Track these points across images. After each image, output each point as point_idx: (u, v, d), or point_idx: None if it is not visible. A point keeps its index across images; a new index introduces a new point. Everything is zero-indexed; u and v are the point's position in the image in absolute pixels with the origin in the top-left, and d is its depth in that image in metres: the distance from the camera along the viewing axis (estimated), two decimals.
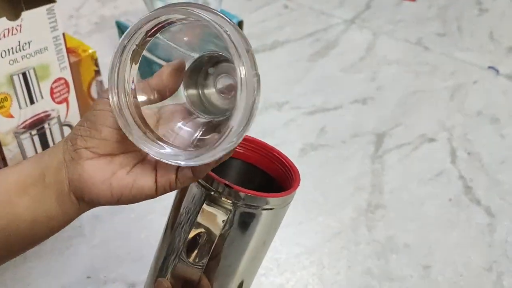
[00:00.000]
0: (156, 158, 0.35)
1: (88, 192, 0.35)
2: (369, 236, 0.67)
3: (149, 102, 0.36)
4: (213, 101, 0.39)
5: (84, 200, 0.35)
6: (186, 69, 0.37)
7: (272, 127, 0.84)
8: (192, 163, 0.34)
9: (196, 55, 0.37)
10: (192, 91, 0.39)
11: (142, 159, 0.36)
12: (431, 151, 0.80)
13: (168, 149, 0.35)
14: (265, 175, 0.47)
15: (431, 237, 0.67)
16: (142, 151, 0.35)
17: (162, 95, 0.36)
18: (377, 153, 0.79)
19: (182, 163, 0.34)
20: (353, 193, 0.73)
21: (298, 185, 0.42)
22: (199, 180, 0.40)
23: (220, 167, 0.38)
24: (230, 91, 0.38)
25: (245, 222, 0.40)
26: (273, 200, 0.40)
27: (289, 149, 0.79)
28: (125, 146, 0.35)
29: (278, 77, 0.95)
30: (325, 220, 0.69)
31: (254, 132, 0.82)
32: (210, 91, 0.39)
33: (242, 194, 0.38)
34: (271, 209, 0.40)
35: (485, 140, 0.82)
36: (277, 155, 0.45)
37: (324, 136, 0.82)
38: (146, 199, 0.36)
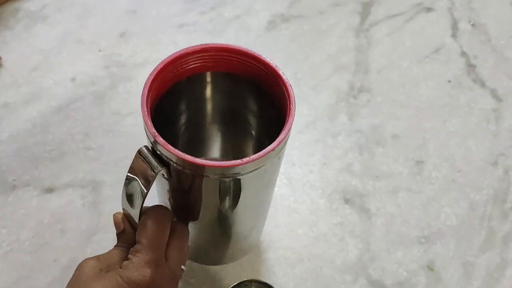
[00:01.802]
0: None
1: None
2: (350, 125, 0.54)
3: None
4: None
5: None
6: None
7: None
8: None
9: None
10: None
11: None
12: (428, 22, 0.65)
13: None
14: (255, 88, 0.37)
15: (425, 126, 0.55)
16: None
17: None
18: (362, 26, 0.64)
19: None
20: (332, 73, 0.59)
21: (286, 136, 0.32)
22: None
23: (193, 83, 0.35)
24: None
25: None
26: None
27: (254, 22, 0.64)
28: None
29: None
30: (296, 107, 0.56)
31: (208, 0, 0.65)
32: None
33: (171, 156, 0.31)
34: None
35: (492, 10, 0.67)
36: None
37: (297, 5, 0.66)
38: None
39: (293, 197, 0.48)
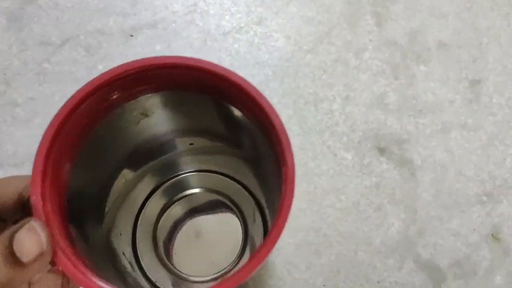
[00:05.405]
0: None
1: None
2: (380, 34, 0.39)
3: None
4: None
5: None
6: None
7: None
8: None
9: None
10: None
11: None
12: None
13: None
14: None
15: (481, 25, 0.40)
16: None
17: None
18: None
19: None
20: None
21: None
22: None
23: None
24: None
25: None
26: None
27: None
28: None
29: None
30: (301, 9, 0.40)
31: None
32: None
33: None
34: None
35: None
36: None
37: None
38: None
39: (310, 153, 0.35)
